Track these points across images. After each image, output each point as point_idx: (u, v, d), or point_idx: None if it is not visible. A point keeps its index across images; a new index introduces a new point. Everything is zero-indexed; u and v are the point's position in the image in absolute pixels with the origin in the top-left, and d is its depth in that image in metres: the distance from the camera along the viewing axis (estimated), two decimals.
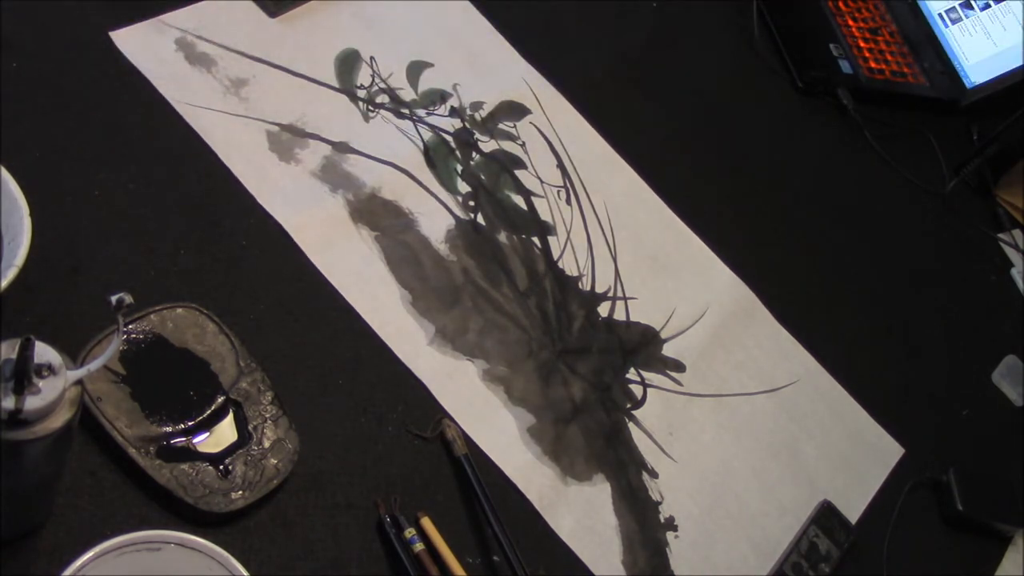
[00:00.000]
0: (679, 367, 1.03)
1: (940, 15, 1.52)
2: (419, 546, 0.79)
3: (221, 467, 0.76)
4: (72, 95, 0.89)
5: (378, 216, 0.96)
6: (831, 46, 1.44)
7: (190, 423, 0.77)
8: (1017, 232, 1.41)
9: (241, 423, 0.79)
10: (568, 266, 1.03)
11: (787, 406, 1.07)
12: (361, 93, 1.04)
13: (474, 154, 1.06)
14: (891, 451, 1.10)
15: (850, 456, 1.07)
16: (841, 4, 1.50)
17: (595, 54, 1.24)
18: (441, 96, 1.08)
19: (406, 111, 1.05)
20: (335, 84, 1.03)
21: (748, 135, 1.29)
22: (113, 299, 0.60)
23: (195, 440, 0.76)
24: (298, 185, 0.94)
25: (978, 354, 1.25)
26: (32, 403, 0.56)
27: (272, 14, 1.03)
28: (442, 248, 0.98)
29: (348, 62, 1.05)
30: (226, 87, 0.97)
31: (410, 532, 0.80)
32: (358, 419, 0.85)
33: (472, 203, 1.02)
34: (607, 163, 1.14)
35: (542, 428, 0.92)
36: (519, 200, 1.05)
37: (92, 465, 0.73)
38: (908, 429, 1.12)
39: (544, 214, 1.06)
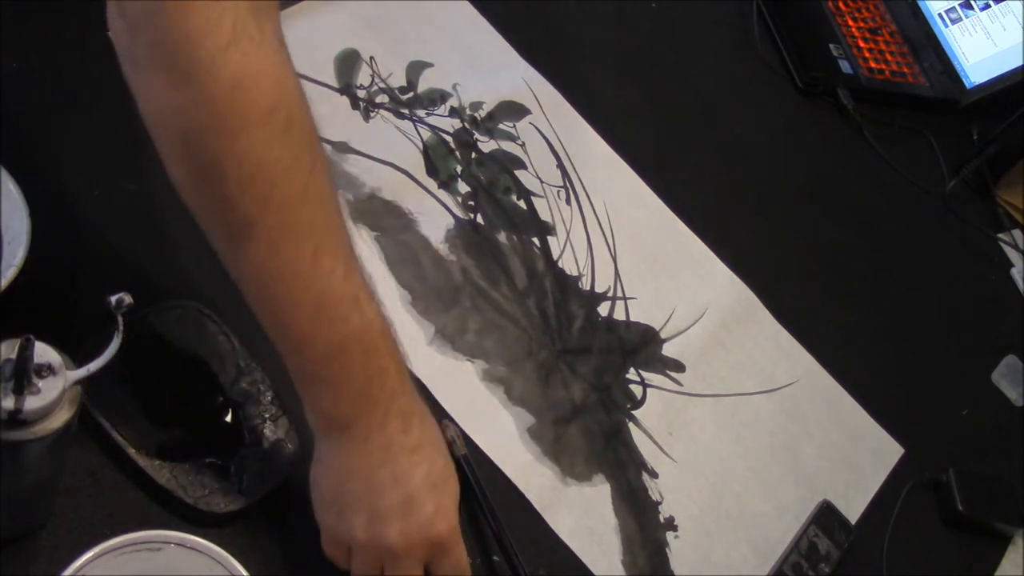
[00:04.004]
0: (679, 367, 1.03)
1: (940, 15, 1.52)
2: None
3: (221, 467, 0.76)
4: (72, 95, 0.89)
5: (378, 216, 0.96)
6: (831, 46, 1.44)
7: (190, 423, 0.77)
8: (1017, 232, 1.41)
9: (241, 423, 0.79)
10: (568, 266, 1.03)
11: (787, 406, 1.07)
12: (361, 93, 1.04)
13: (474, 154, 1.06)
14: (891, 451, 1.10)
15: (850, 456, 1.07)
16: (841, 4, 1.50)
17: (595, 54, 1.24)
18: (441, 96, 1.08)
19: (406, 111, 1.05)
20: (334, 84, 1.03)
21: (748, 135, 1.29)
22: (113, 299, 0.60)
23: (195, 440, 0.76)
24: None
25: (978, 354, 1.25)
26: (32, 403, 0.56)
27: None
28: (442, 248, 0.98)
29: (348, 62, 1.05)
30: None
31: None
32: None
33: (472, 203, 1.02)
34: (607, 163, 1.14)
35: (542, 428, 0.92)
36: (519, 200, 1.05)
37: (92, 465, 0.73)
38: (908, 429, 1.12)
39: (544, 214, 1.06)
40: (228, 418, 0.78)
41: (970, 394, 1.21)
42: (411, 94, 1.07)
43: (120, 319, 0.59)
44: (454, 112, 1.08)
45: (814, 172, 1.31)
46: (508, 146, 1.09)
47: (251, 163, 0.61)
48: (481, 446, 0.88)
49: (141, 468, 0.73)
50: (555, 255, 1.03)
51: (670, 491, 0.95)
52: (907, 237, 1.33)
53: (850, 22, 1.48)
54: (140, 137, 0.90)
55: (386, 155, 1.01)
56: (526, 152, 1.09)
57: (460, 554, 0.73)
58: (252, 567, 0.72)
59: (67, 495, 0.71)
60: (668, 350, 1.03)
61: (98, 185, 0.86)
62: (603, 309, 1.03)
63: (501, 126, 1.10)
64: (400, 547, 0.69)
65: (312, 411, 0.70)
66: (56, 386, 0.57)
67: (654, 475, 0.95)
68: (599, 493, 0.91)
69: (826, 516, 1.00)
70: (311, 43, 1.04)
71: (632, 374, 1.00)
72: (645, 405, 0.99)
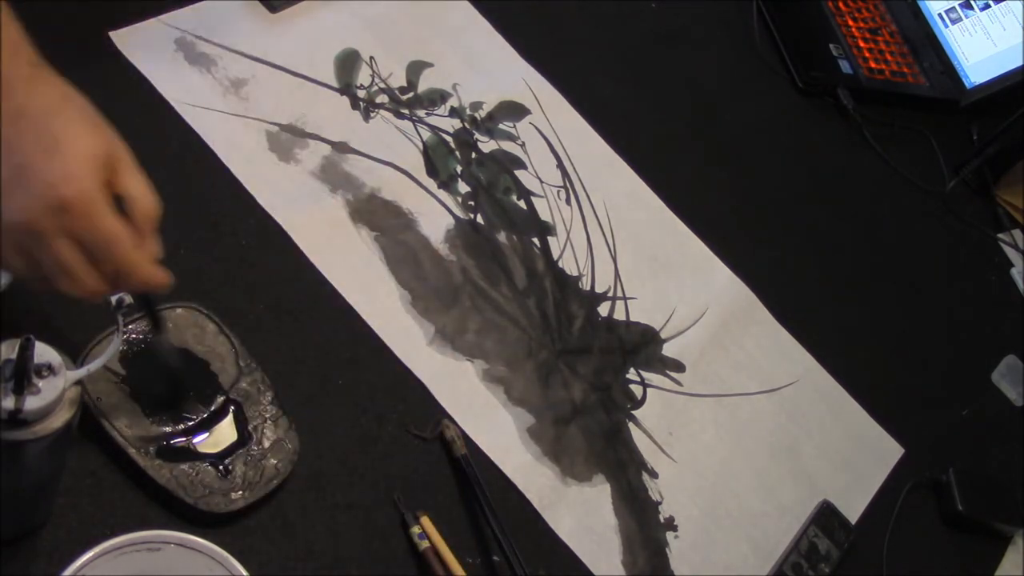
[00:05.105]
0: (679, 367, 1.03)
1: (940, 15, 1.52)
2: (425, 543, 0.80)
3: (221, 467, 0.76)
4: None
5: (378, 216, 0.96)
6: (831, 46, 1.44)
7: (190, 423, 0.77)
8: (1017, 232, 1.42)
9: (241, 423, 0.79)
10: (568, 266, 1.03)
11: (787, 406, 1.07)
12: (361, 93, 1.04)
13: (474, 154, 1.06)
14: (891, 451, 1.10)
15: (850, 456, 1.07)
16: (841, 4, 1.50)
17: (595, 54, 1.24)
18: (441, 96, 1.08)
19: (406, 111, 1.05)
20: (335, 84, 1.03)
21: (748, 135, 1.29)
22: (113, 299, 0.60)
23: (195, 440, 0.76)
24: (298, 185, 0.94)
25: (978, 354, 1.25)
26: (32, 403, 0.56)
27: (273, 9, 1.03)
28: (442, 248, 0.98)
29: (348, 62, 1.05)
30: (226, 87, 0.97)
31: (418, 528, 0.80)
32: (358, 419, 0.85)
33: (472, 203, 1.02)
34: (607, 163, 1.14)
35: (542, 428, 0.92)
36: (519, 200, 1.05)
37: (92, 465, 0.73)
38: (908, 429, 1.12)
39: (544, 214, 1.06)
40: (228, 418, 0.78)
41: (970, 394, 1.21)
42: (411, 94, 1.07)
43: (120, 319, 0.59)
44: (454, 112, 1.08)
45: (814, 172, 1.31)
46: (508, 146, 1.09)
47: None
48: (481, 446, 0.88)
49: (141, 468, 0.73)
50: (555, 255, 1.03)
51: (670, 491, 0.95)
52: (907, 237, 1.33)
53: (850, 22, 1.48)
54: (140, 137, 0.90)
55: (386, 155, 1.01)
56: (526, 152, 1.09)
57: (100, 220, 0.63)
58: (252, 567, 0.72)
59: (67, 495, 0.71)
60: (668, 350, 1.03)
61: None
62: (603, 309, 1.03)
63: (501, 126, 1.10)
64: (24, 222, 0.61)
65: None
66: (56, 386, 0.57)
67: (654, 475, 0.95)
68: (599, 493, 0.91)
69: (826, 516, 1.00)
70: (311, 43, 1.04)
71: (632, 374, 1.00)
72: (645, 405, 0.99)
